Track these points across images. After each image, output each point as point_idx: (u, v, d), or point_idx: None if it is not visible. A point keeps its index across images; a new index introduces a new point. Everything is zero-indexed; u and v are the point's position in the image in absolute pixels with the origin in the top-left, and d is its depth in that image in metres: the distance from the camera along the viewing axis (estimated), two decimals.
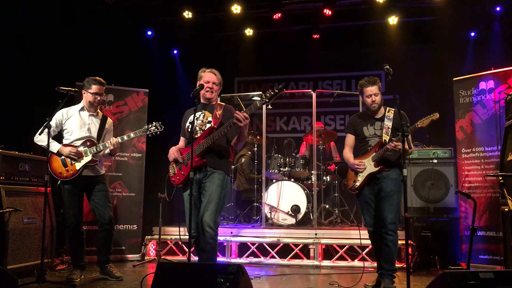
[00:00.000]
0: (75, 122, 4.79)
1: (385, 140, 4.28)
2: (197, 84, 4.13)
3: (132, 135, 4.76)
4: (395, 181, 4.27)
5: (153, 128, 4.65)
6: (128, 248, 6.27)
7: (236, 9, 7.28)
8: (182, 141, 4.28)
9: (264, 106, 6.66)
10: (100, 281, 4.73)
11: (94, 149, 4.68)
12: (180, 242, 6.21)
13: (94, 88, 4.76)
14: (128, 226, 6.29)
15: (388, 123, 4.33)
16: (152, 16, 7.70)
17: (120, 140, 4.70)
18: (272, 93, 3.70)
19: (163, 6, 7.41)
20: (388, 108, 4.45)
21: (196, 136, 3.96)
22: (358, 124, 4.53)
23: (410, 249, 5.30)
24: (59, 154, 4.66)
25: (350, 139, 4.63)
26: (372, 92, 4.35)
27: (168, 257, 6.16)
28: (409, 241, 4.89)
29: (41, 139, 4.62)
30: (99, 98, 4.81)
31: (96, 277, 4.88)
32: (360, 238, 5.13)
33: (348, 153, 4.58)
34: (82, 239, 4.85)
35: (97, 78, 4.80)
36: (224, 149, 4.05)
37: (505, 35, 6.94)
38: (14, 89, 5.84)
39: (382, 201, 4.27)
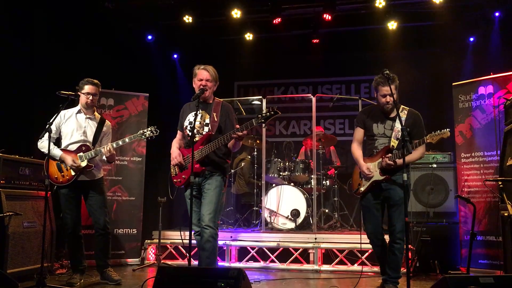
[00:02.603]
0: (71, 125, 4.78)
1: (392, 145, 4.16)
2: (193, 82, 4.21)
3: (127, 140, 4.73)
4: (402, 187, 4.04)
5: (149, 132, 4.61)
6: (128, 252, 6.26)
7: (236, 13, 7.31)
8: (179, 135, 4.37)
9: (264, 109, 6.71)
10: (99, 285, 4.73)
11: (89, 155, 4.66)
12: (180, 247, 6.22)
13: (87, 88, 4.74)
14: (128, 230, 6.29)
15: (399, 126, 4.09)
16: (153, 20, 7.72)
17: (115, 146, 4.66)
18: (268, 114, 3.81)
19: (164, 11, 7.43)
20: (402, 107, 4.27)
21: (195, 140, 4.01)
22: (369, 119, 4.34)
23: (410, 254, 5.31)
24: (61, 161, 4.65)
25: (359, 133, 4.41)
26: (388, 92, 4.06)
27: (168, 262, 6.16)
28: (409, 246, 4.90)
29: (43, 145, 4.62)
30: (91, 98, 4.76)
31: (96, 281, 4.87)
32: (361, 243, 5.14)
33: (357, 150, 4.38)
34: (81, 243, 4.84)
35: (90, 79, 4.78)
36: (222, 152, 4.15)
37: (504, 40, 6.95)
38: (15, 93, 5.85)
39: (391, 210, 4.19)
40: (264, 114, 3.81)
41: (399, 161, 4.01)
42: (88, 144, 4.75)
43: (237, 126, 3.96)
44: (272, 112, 3.79)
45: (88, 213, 4.86)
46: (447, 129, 3.99)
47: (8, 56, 5.76)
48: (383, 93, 4.15)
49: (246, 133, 3.90)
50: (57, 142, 4.82)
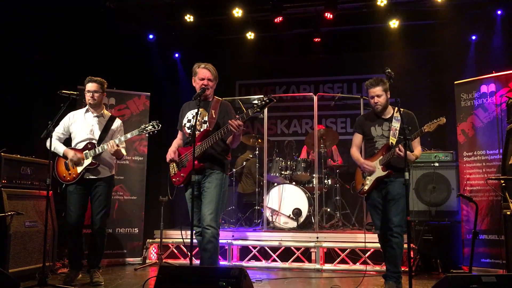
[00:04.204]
0: (80, 124, 4.82)
1: (392, 143, 4.25)
2: (192, 80, 4.20)
3: (128, 135, 4.72)
4: (402, 185, 4.12)
5: (150, 127, 4.59)
6: (130, 251, 6.26)
7: (237, 12, 7.30)
8: (179, 135, 4.37)
9: (265, 110, 6.70)
10: (99, 286, 4.69)
11: (93, 152, 4.68)
12: (181, 246, 6.22)
13: (87, 86, 4.78)
14: (130, 230, 6.29)
15: (396, 125, 4.29)
16: (154, 19, 7.72)
17: (117, 142, 4.67)
18: (264, 102, 3.75)
19: (165, 10, 7.43)
20: (396, 108, 4.36)
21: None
22: (366, 124, 4.50)
23: (412, 253, 5.30)
24: (64, 156, 4.69)
25: (357, 138, 4.59)
26: (375, 93, 4.33)
27: (170, 261, 6.16)
28: (411, 245, 4.90)
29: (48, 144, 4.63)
30: (91, 95, 4.76)
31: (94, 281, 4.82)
32: (365, 242, 5.13)
33: (356, 153, 4.56)
34: (81, 242, 4.82)
35: (91, 77, 4.80)
36: (221, 149, 4.13)
37: (506, 39, 6.94)
38: (16, 93, 5.85)
39: (389, 204, 4.27)
40: (259, 103, 3.76)
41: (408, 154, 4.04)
42: (94, 142, 4.76)
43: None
44: (268, 100, 3.74)
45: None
46: (443, 116, 4.15)
47: (9, 55, 5.76)
48: (371, 94, 4.38)
49: (242, 123, 3.80)
50: (67, 142, 4.85)
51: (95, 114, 4.86)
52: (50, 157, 4.40)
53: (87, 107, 4.88)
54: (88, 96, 4.78)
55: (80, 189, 4.73)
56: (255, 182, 7.61)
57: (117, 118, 5.02)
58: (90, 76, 4.83)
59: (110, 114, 5.00)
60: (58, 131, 4.79)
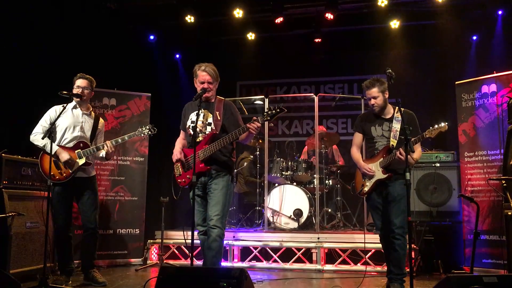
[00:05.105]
0: (68, 119, 4.73)
1: (392, 145, 4.23)
2: (194, 81, 4.20)
3: (126, 137, 4.73)
4: (403, 185, 4.11)
5: (147, 131, 4.65)
6: (131, 252, 6.26)
7: (238, 13, 7.30)
8: (182, 135, 4.37)
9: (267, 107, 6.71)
10: (84, 287, 4.67)
11: (88, 152, 4.64)
12: (182, 247, 6.21)
13: (77, 82, 4.76)
14: (131, 230, 6.29)
15: (397, 126, 4.26)
16: (155, 20, 7.73)
17: (114, 143, 4.67)
18: (274, 111, 3.80)
19: (166, 11, 7.43)
20: (397, 108, 4.35)
21: (198, 140, 4.00)
22: (366, 123, 4.47)
23: (413, 253, 5.29)
24: (55, 156, 4.56)
25: (358, 138, 4.56)
26: (371, 95, 4.32)
27: (171, 261, 6.16)
28: (412, 245, 4.90)
29: (37, 138, 4.58)
30: (82, 91, 4.72)
31: (87, 283, 4.77)
32: (365, 242, 5.13)
33: (356, 153, 4.53)
34: (70, 244, 4.77)
35: (82, 73, 4.81)
36: (227, 150, 4.13)
37: (507, 39, 6.93)
38: (17, 93, 5.85)
39: (390, 206, 4.24)
40: (270, 112, 3.79)
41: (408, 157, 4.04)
42: (85, 140, 4.72)
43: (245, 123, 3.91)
44: (278, 110, 3.78)
45: (79, 211, 4.82)
46: (445, 123, 4.10)
47: (10, 56, 5.76)
48: (368, 96, 4.38)
49: (260, 125, 3.84)
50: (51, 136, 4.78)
51: (84, 112, 4.82)
52: (50, 159, 4.32)
53: (74, 103, 4.80)
54: (77, 91, 4.73)
55: (67, 190, 4.66)
56: (245, 183, 7.63)
57: (100, 118, 5.00)
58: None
59: (94, 113, 4.96)
60: (44, 124, 4.67)
